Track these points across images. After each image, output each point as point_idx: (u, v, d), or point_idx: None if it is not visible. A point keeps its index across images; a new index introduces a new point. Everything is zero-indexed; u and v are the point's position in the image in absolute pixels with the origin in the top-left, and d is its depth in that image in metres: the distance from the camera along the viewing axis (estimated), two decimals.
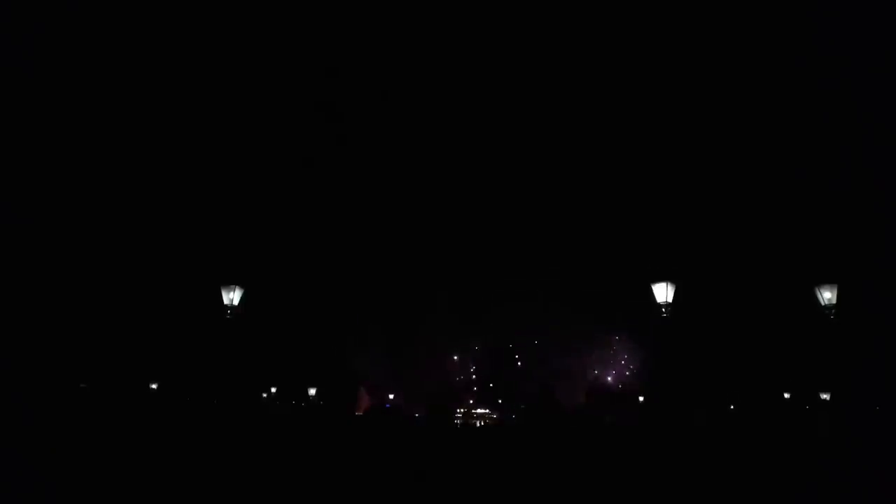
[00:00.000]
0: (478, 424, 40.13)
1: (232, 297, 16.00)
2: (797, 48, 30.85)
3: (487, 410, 54.63)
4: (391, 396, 52.20)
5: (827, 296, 14.36)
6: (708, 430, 19.34)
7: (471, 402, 56.84)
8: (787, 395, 35.59)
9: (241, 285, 16.12)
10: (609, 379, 56.63)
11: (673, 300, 14.60)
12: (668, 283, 14.63)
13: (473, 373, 62.53)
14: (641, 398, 42.83)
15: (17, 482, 9.11)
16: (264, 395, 42.11)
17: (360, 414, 31.78)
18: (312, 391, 43.50)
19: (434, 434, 19.22)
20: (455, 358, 61.03)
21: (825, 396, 29.54)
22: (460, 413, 50.38)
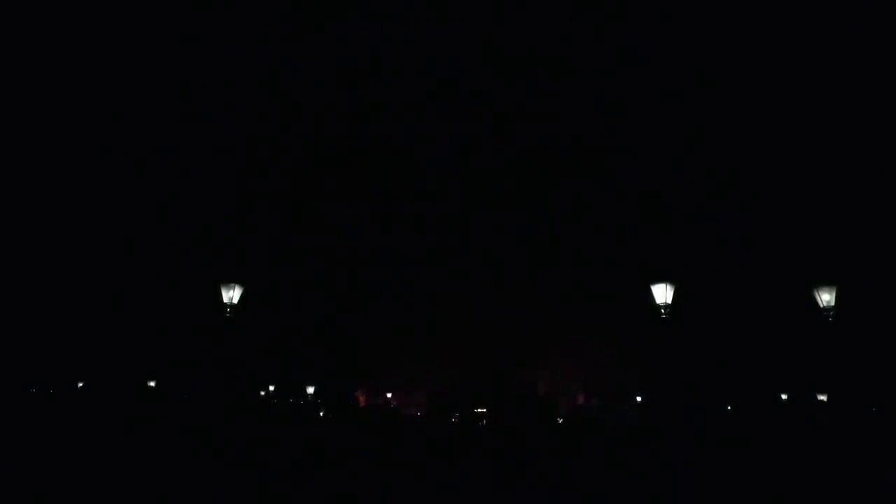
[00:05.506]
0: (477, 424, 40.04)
1: (231, 295, 15.99)
2: (796, 47, 30.91)
3: (485, 410, 54.58)
4: (388, 395, 52.28)
5: (826, 297, 14.39)
6: (708, 428, 19.35)
7: (469, 401, 56.76)
8: (784, 396, 35.60)
9: (241, 283, 16.10)
10: (607, 379, 56.64)
11: (672, 301, 14.62)
12: (668, 284, 14.65)
13: (472, 373, 62.43)
14: (639, 398, 42.85)
15: (17, 481, 9.11)
16: (262, 392, 42.10)
17: (357, 412, 31.79)
18: (311, 389, 43.57)
19: (432, 431, 19.24)
20: (454, 358, 60.98)
21: (822, 398, 29.57)
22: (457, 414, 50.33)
